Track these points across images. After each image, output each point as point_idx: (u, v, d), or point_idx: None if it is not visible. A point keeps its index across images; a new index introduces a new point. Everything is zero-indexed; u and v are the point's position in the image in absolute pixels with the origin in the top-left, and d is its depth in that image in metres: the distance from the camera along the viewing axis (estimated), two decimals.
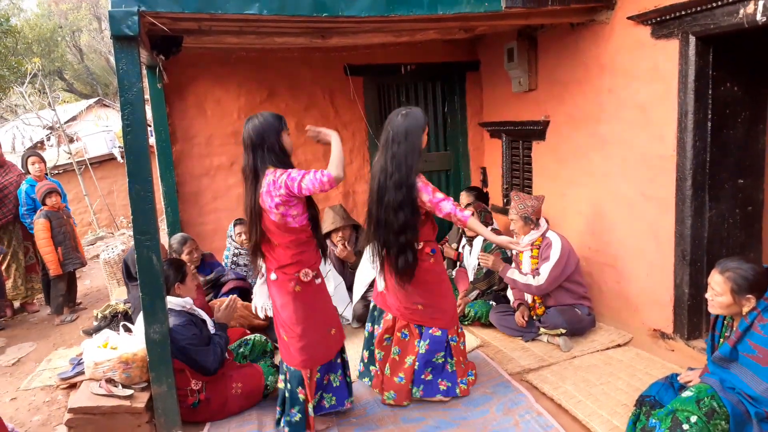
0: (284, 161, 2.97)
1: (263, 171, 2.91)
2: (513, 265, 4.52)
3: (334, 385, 3.27)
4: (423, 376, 3.42)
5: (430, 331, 3.42)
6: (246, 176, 2.97)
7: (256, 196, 2.92)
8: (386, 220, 3.19)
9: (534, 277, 4.11)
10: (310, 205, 3.03)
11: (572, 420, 3.21)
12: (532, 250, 4.25)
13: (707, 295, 2.62)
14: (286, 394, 3.15)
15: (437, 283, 3.43)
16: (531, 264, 4.23)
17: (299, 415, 3.09)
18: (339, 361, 3.29)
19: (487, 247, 4.81)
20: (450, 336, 3.46)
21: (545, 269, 4.09)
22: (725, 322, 2.65)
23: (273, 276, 3.04)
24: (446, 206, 3.16)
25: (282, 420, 3.17)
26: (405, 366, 3.44)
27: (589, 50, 4.33)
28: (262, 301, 3.19)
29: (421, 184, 3.20)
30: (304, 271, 3.01)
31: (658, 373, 3.45)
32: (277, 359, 3.87)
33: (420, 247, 3.32)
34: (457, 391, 3.45)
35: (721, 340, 2.67)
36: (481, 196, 5.50)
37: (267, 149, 2.92)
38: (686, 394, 2.50)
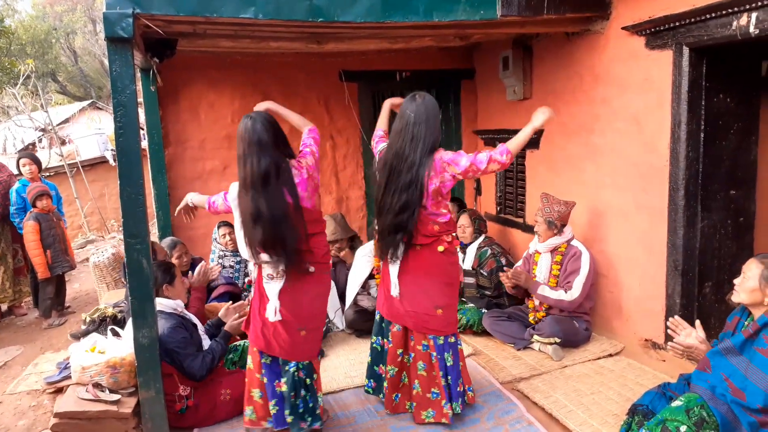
0: (293, 153, 3.04)
1: (285, 165, 2.88)
2: (520, 263, 4.53)
3: None
4: (458, 389, 3.23)
5: (450, 340, 3.22)
6: (271, 177, 2.79)
7: (294, 192, 2.84)
8: (391, 205, 3.07)
9: (566, 292, 4.11)
10: None
11: (563, 430, 3.20)
12: (554, 255, 4.24)
13: (735, 281, 2.60)
14: (302, 393, 3.03)
15: (457, 282, 3.35)
16: (552, 269, 4.23)
17: (318, 403, 3.09)
18: None
19: (482, 255, 4.81)
20: (458, 339, 3.32)
21: (578, 283, 4.09)
22: (745, 322, 2.63)
23: (311, 269, 2.95)
24: (482, 157, 3.03)
25: (303, 420, 3.04)
26: (437, 381, 3.22)
27: (584, 60, 4.35)
28: (276, 305, 2.97)
29: (450, 155, 3.05)
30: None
31: (649, 383, 3.45)
32: None
33: (449, 240, 3.19)
34: (466, 398, 3.33)
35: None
36: (462, 207, 5.54)
37: (282, 144, 2.95)
38: (676, 403, 2.49)
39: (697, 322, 2.70)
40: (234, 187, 2.98)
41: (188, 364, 3.25)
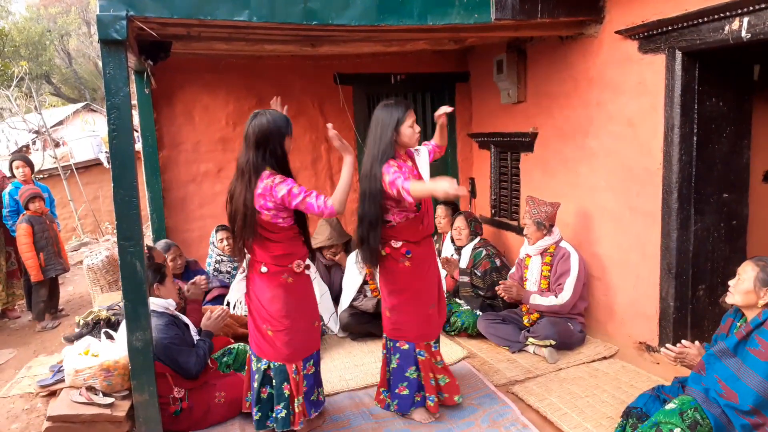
0: (283, 166, 2.99)
1: (261, 171, 2.91)
2: (514, 270, 4.54)
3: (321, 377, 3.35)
4: (397, 390, 3.34)
5: (398, 345, 3.32)
6: (242, 171, 2.94)
7: (252, 194, 2.90)
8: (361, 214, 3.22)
9: (557, 296, 4.13)
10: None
11: None
12: (544, 257, 4.26)
13: (730, 283, 2.62)
14: (271, 392, 3.12)
15: (409, 290, 3.25)
16: (543, 271, 4.24)
17: (284, 411, 3.08)
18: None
19: (476, 256, 4.82)
20: (417, 350, 3.31)
21: (569, 284, 4.11)
22: (738, 324, 2.65)
23: (263, 269, 3.02)
24: (390, 180, 2.98)
25: (265, 420, 3.14)
26: (382, 374, 3.47)
27: (578, 63, 4.37)
28: (236, 297, 3.20)
29: (385, 166, 3.06)
30: (296, 263, 3.05)
31: (643, 385, 3.46)
32: None
33: (397, 245, 3.22)
34: (426, 406, 3.37)
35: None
36: (456, 210, 5.54)
37: (270, 151, 2.93)
38: (670, 406, 2.50)
39: (685, 342, 2.75)
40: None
41: (184, 359, 3.25)
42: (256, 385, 3.14)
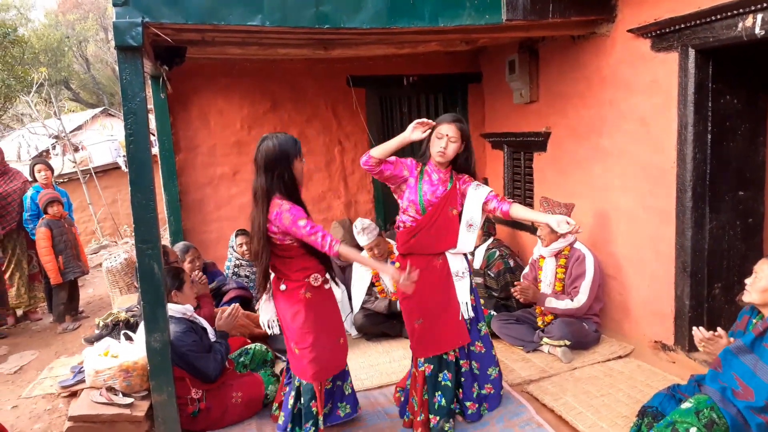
0: (292, 192, 2.97)
1: (272, 195, 2.93)
2: (527, 270, 4.53)
3: (346, 393, 3.27)
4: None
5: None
6: (257, 197, 2.97)
7: (265, 218, 2.92)
8: None
9: (573, 299, 4.12)
10: None
11: None
12: (558, 259, 4.25)
13: (747, 281, 2.60)
14: (299, 409, 3.13)
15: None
16: (557, 273, 4.23)
17: (313, 429, 3.09)
18: (347, 368, 3.29)
19: (490, 257, 4.83)
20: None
21: (585, 287, 4.10)
22: (754, 320, 2.63)
23: (283, 287, 3.04)
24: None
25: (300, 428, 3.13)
26: (406, 376, 3.52)
27: (590, 63, 4.36)
28: (268, 317, 3.18)
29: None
30: (313, 276, 3.04)
31: (659, 384, 3.44)
32: (277, 369, 3.87)
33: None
34: None
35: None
36: None
37: (277, 176, 2.93)
38: (685, 405, 2.49)
39: (720, 330, 2.68)
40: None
41: (202, 365, 3.29)
42: (291, 401, 3.14)
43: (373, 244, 4.52)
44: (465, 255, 3.33)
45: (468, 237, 3.22)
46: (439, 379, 3.23)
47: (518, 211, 3.14)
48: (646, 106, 3.88)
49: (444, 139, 3.11)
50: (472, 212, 3.19)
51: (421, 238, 3.19)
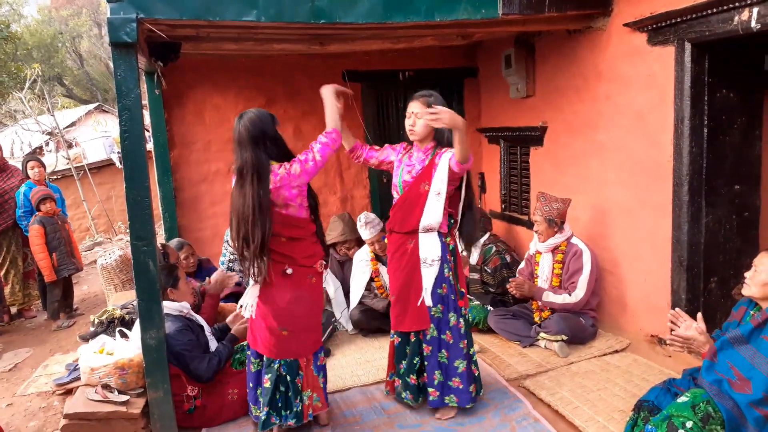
0: (287, 153, 3.00)
1: (268, 167, 2.88)
2: (523, 265, 4.53)
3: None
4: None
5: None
6: (244, 174, 2.85)
7: (265, 193, 2.84)
8: None
9: (570, 294, 4.12)
10: (309, 194, 3.07)
11: (569, 426, 3.21)
12: (555, 255, 4.25)
13: (746, 275, 2.60)
14: (281, 392, 3.12)
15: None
16: (554, 269, 4.24)
17: (300, 405, 3.12)
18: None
19: (486, 252, 4.83)
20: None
21: (582, 282, 4.11)
22: (751, 312, 2.63)
23: (289, 270, 2.99)
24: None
25: (278, 415, 3.11)
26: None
27: (587, 57, 4.35)
28: (250, 301, 3.09)
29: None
30: (320, 262, 3.08)
31: (655, 379, 3.44)
32: None
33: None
34: None
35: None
36: None
37: (269, 142, 2.92)
38: (682, 399, 2.49)
39: (699, 315, 2.69)
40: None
41: (195, 366, 3.28)
42: (269, 386, 3.08)
43: (375, 239, 4.53)
44: (444, 241, 3.26)
45: (435, 206, 3.18)
46: (406, 350, 3.40)
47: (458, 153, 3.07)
48: (643, 100, 3.88)
49: (411, 117, 3.22)
50: (441, 178, 3.17)
51: (396, 214, 3.33)
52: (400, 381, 3.44)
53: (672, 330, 2.72)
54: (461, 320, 3.32)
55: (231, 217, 2.94)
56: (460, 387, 3.29)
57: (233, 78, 5.45)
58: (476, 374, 3.41)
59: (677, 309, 2.75)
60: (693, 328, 2.64)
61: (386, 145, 3.45)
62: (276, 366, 3.10)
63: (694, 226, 3.68)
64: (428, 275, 3.24)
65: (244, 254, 2.92)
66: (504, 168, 5.86)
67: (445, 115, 2.94)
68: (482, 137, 6.21)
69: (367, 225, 4.54)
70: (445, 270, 3.26)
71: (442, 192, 3.18)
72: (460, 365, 3.30)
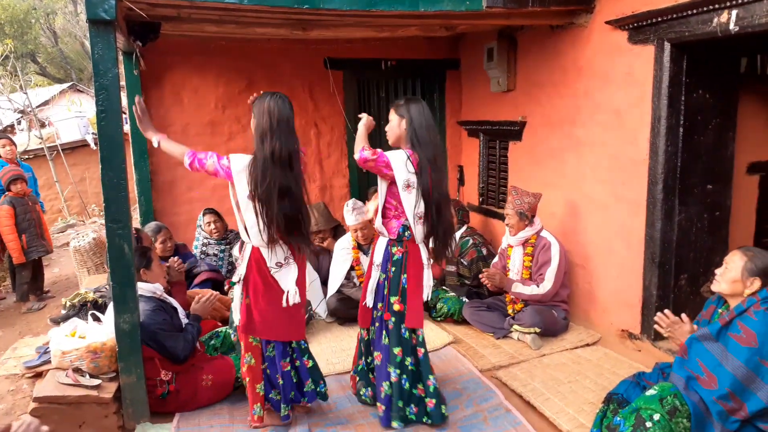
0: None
1: (299, 153, 2.91)
2: (497, 259, 4.58)
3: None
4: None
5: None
6: (277, 160, 2.76)
7: (301, 173, 2.88)
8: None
9: (539, 285, 4.18)
10: None
11: (540, 417, 3.26)
12: (525, 247, 4.29)
13: (717, 271, 2.66)
14: (294, 370, 3.16)
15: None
16: (524, 261, 4.29)
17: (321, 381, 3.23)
18: None
19: (463, 245, 4.86)
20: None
21: (550, 274, 4.16)
22: (720, 311, 2.69)
23: (299, 252, 3.03)
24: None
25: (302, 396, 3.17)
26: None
27: (568, 53, 4.38)
28: (294, 287, 2.99)
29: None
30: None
31: (625, 372, 3.51)
32: None
33: None
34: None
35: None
36: None
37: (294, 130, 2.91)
38: (650, 392, 2.55)
39: (683, 316, 2.74)
40: (239, 159, 2.83)
41: (171, 344, 3.26)
42: (311, 364, 3.20)
43: (359, 226, 4.54)
44: (389, 250, 3.13)
45: (408, 198, 3.03)
46: (369, 347, 3.35)
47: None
48: (621, 97, 3.93)
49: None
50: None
51: None
52: (359, 379, 3.41)
53: (658, 330, 2.77)
54: (392, 321, 3.13)
55: (273, 198, 2.77)
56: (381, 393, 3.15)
57: (213, 60, 5.37)
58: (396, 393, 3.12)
59: (667, 311, 2.77)
60: (686, 321, 2.70)
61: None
62: (304, 345, 3.19)
63: (667, 223, 3.75)
64: (373, 278, 3.20)
65: (293, 234, 2.88)
66: (483, 161, 5.89)
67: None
68: (462, 130, 6.23)
69: (354, 210, 4.53)
70: (383, 277, 3.14)
71: (382, 191, 3.12)
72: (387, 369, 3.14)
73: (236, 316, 3.07)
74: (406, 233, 3.10)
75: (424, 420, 3.15)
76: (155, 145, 2.92)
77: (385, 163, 2.98)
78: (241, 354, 3.11)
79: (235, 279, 3.09)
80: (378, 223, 3.16)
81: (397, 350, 3.12)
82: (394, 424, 3.11)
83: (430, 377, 3.15)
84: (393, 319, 3.12)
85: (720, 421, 2.42)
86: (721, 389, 2.40)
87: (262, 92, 2.95)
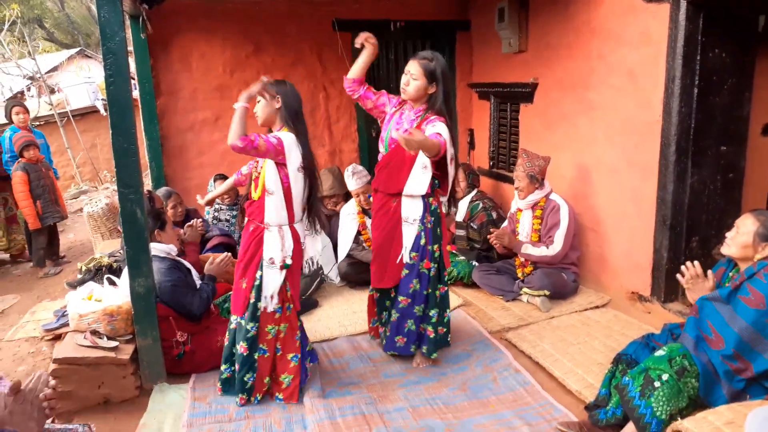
0: None
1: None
2: (506, 223, 4.58)
3: None
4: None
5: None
6: (305, 141, 3.05)
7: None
8: None
9: (548, 247, 4.18)
10: None
11: (549, 377, 3.31)
12: (534, 210, 4.29)
13: (727, 235, 2.64)
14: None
15: None
16: (533, 224, 4.29)
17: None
18: None
19: (473, 209, 4.86)
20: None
21: (559, 236, 4.16)
22: (730, 273, 2.69)
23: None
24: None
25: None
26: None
27: (580, 13, 4.29)
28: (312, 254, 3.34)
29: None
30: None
31: (634, 334, 3.53)
32: None
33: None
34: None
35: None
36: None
37: None
38: (659, 353, 2.57)
39: (710, 273, 2.72)
40: (286, 136, 2.93)
41: (188, 301, 3.35)
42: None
43: (360, 190, 4.55)
44: (427, 202, 3.26)
45: (420, 179, 3.20)
46: (386, 303, 3.50)
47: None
48: (635, 58, 3.85)
49: (407, 75, 3.16)
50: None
51: (380, 174, 3.33)
52: (383, 327, 3.54)
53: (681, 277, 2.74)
54: (433, 269, 3.33)
55: (315, 177, 3.10)
56: (431, 336, 3.37)
57: (220, 24, 5.31)
58: (432, 336, 3.37)
59: (695, 262, 2.72)
60: (710, 278, 2.69)
61: (383, 91, 3.42)
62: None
63: (679, 186, 3.72)
64: (408, 233, 3.27)
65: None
66: (493, 124, 5.84)
67: (413, 145, 2.82)
68: (473, 93, 6.16)
69: (354, 175, 4.54)
70: (423, 229, 3.27)
71: (428, 165, 3.18)
72: (434, 315, 3.36)
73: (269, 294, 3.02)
74: (436, 184, 3.30)
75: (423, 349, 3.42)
76: (235, 106, 2.86)
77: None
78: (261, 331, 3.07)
79: (288, 261, 3.02)
80: (419, 191, 3.22)
81: (437, 292, 3.38)
82: (413, 348, 3.41)
83: (447, 310, 3.48)
84: (434, 265, 3.33)
85: (727, 381, 2.44)
86: (727, 349, 2.41)
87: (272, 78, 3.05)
